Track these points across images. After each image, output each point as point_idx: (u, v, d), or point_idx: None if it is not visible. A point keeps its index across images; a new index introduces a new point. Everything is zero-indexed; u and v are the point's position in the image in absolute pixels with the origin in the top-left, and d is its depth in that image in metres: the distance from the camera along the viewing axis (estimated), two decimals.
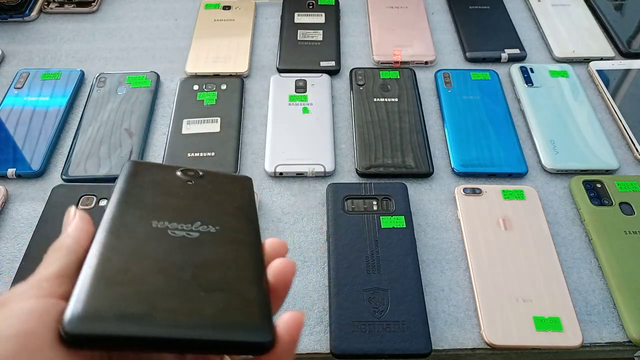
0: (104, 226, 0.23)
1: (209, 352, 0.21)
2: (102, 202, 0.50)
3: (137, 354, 0.21)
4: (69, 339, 0.18)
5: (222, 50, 0.66)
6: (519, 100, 0.61)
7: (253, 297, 0.22)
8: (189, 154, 0.55)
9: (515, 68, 0.64)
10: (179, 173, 0.27)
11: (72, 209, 0.24)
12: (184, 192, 0.26)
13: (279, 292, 0.23)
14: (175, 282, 0.21)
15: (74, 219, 0.23)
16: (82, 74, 0.64)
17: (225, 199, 0.27)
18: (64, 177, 0.53)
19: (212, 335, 0.20)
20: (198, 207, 0.26)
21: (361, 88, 0.61)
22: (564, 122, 0.58)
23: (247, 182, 0.29)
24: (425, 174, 0.54)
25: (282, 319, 0.21)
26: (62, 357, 0.18)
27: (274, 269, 0.23)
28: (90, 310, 0.19)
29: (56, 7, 0.73)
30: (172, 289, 0.21)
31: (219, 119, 0.58)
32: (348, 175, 0.55)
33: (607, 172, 0.54)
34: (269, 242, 0.25)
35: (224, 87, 0.62)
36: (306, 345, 0.43)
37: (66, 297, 0.20)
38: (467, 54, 0.66)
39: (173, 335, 0.19)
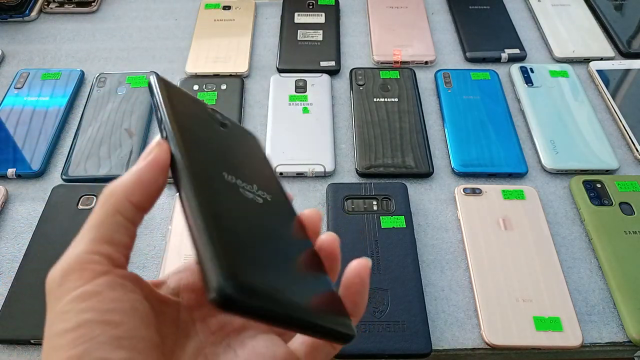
0: (185, 174, 0.21)
1: (306, 333, 0.21)
2: None
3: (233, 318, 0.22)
4: (226, 301, 0.17)
5: (222, 50, 0.66)
6: (519, 100, 0.61)
7: (330, 285, 0.22)
8: None
9: (515, 68, 0.64)
10: (209, 112, 0.26)
11: (157, 137, 0.22)
12: (228, 140, 0.25)
13: (333, 267, 0.23)
14: (281, 255, 0.22)
15: (146, 159, 0.21)
16: (82, 74, 0.64)
17: (255, 158, 0.27)
18: (64, 177, 0.53)
19: (321, 321, 0.20)
20: (247, 163, 0.25)
21: (361, 88, 0.61)
22: (564, 122, 0.58)
23: (257, 141, 0.29)
24: (425, 174, 0.54)
25: (351, 267, 0.22)
26: (135, 327, 0.19)
27: (323, 246, 0.23)
28: (251, 277, 0.18)
29: (56, 7, 0.73)
30: (283, 264, 0.21)
31: None
32: (348, 175, 0.55)
33: (607, 172, 0.54)
34: (306, 216, 0.25)
35: (224, 87, 0.62)
36: None
37: (119, 264, 0.20)
38: (467, 54, 0.66)
39: (295, 315, 0.19)
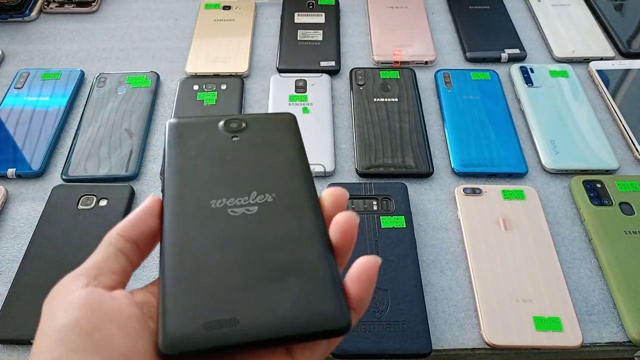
0: (167, 214, 0.24)
1: (290, 344, 0.21)
2: (102, 202, 0.50)
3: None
4: (168, 358, 0.20)
5: (222, 50, 0.66)
6: (519, 100, 0.61)
7: (324, 276, 0.22)
8: None
9: (515, 68, 0.64)
10: (221, 126, 0.27)
11: (151, 195, 0.25)
12: (233, 153, 0.26)
13: (344, 248, 0.23)
14: (248, 274, 0.22)
15: (140, 207, 0.24)
16: (82, 74, 0.64)
17: (274, 152, 0.26)
18: (64, 177, 0.53)
19: (294, 331, 0.20)
20: (250, 171, 0.25)
21: (361, 88, 0.61)
22: (564, 122, 0.58)
23: (290, 121, 0.28)
24: (425, 174, 0.54)
25: (360, 262, 0.22)
26: (110, 335, 0.20)
27: (337, 225, 0.23)
28: (181, 327, 0.20)
29: (56, 7, 0.73)
30: (247, 285, 0.21)
31: None
32: (348, 175, 0.55)
33: (607, 172, 0.54)
34: (328, 195, 0.25)
35: (224, 87, 0.62)
36: None
37: (104, 286, 0.22)
38: (467, 54, 0.66)
39: (259, 337, 0.20)
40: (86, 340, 0.19)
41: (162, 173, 0.26)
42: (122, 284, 0.23)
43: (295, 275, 0.22)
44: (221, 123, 0.27)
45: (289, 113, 0.29)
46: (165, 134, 0.27)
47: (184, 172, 0.25)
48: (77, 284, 0.21)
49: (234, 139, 0.27)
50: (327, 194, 0.25)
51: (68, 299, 0.21)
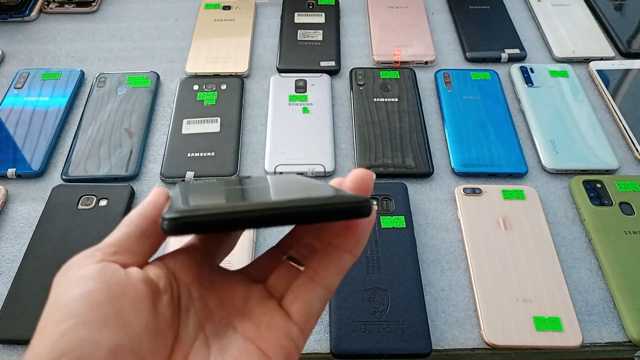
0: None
1: (309, 223, 0.21)
2: (102, 202, 0.50)
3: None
4: (170, 226, 0.18)
5: (222, 50, 0.66)
6: (519, 100, 0.61)
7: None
8: (189, 154, 0.55)
9: (515, 68, 0.64)
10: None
11: (155, 188, 0.25)
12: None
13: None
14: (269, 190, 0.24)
15: (152, 194, 0.24)
16: (82, 74, 0.64)
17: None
18: (64, 177, 0.53)
19: (311, 202, 0.19)
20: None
21: (361, 88, 0.61)
22: (564, 122, 0.58)
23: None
24: (425, 174, 0.54)
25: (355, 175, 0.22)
26: (123, 310, 0.19)
27: (354, 174, 0.23)
28: (191, 202, 0.20)
29: (56, 7, 0.73)
30: (267, 192, 0.23)
31: (219, 119, 0.58)
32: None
33: (607, 172, 0.54)
34: (354, 177, 0.23)
35: (224, 87, 0.62)
36: (306, 345, 0.43)
37: (119, 262, 0.21)
38: (467, 54, 0.66)
39: (270, 207, 0.19)
40: (97, 313, 0.18)
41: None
42: (138, 265, 0.22)
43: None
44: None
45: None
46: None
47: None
48: (91, 259, 0.21)
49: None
50: (353, 175, 0.23)
51: (80, 273, 0.20)
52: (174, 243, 0.47)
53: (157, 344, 0.20)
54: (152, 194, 0.24)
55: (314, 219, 0.19)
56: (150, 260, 0.23)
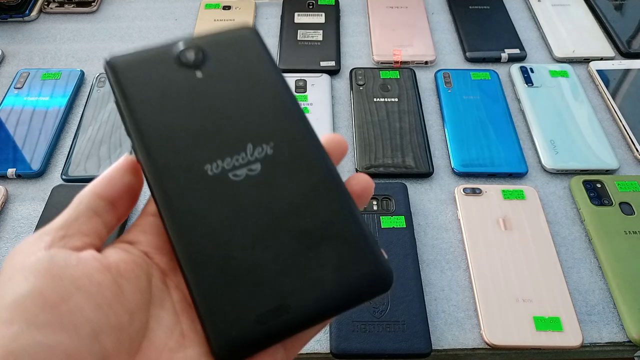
0: (159, 189, 0.20)
1: (341, 313, 0.20)
2: None
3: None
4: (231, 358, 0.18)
5: None
6: (519, 100, 0.61)
7: (358, 233, 0.20)
8: None
9: (515, 68, 0.64)
10: (177, 60, 0.22)
11: (125, 155, 0.22)
12: (204, 96, 0.22)
13: (359, 204, 0.22)
14: (280, 250, 0.20)
15: (112, 165, 0.21)
16: (82, 74, 0.64)
17: (250, 85, 0.23)
18: (64, 177, 0.53)
19: (346, 302, 0.19)
20: (233, 117, 0.22)
21: (361, 88, 0.61)
22: (564, 122, 0.58)
23: (251, 37, 0.24)
24: (425, 174, 0.54)
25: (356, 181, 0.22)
26: (79, 307, 0.17)
27: (356, 181, 0.22)
28: (234, 327, 0.18)
29: (56, 7, 0.73)
30: (283, 262, 0.19)
31: None
32: (348, 175, 0.54)
33: (607, 172, 0.54)
34: (328, 141, 0.23)
35: None
36: (306, 345, 0.43)
37: (69, 247, 0.19)
38: (467, 54, 0.66)
39: (314, 317, 0.19)
40: (50, 314, 0.16)
41: (128, 132, 0.21)
42: (93, 247, 0.19)
43: (329, 240, 0.20)
44: (175, 54, 0.22)
45: (247, 27, 0.24)
46: (109, 78, 0.22)
47: (157, 129, 0.21)
48: (39, 245, 0.18)
49: (198, 74, 0.22)
50: (326, 140, 0.23)
51: (28, 263, 0.17)
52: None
53: (121, 342, 0.17)
54: (109, 169, 0.21)
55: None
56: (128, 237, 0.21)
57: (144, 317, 0.19)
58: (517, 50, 0.66)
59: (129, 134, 0.21)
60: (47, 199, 0.51)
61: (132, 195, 0.21)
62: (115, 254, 0.19)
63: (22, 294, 0.16)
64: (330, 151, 0.22)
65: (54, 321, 0.16)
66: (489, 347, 0.42)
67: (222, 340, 0.18)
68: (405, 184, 0.52)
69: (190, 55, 0.22)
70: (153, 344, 0.18)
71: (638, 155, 0.56)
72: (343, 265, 0.20)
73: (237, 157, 0.21)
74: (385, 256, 0.20)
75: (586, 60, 0.66)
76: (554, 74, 0.63)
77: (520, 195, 0.51)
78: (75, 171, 0.53)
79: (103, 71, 0.63)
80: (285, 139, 0.22)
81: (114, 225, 0.21)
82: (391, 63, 0.65)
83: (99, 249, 0.20)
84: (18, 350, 0.15)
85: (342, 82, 0.64)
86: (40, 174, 0.54)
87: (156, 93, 0.22)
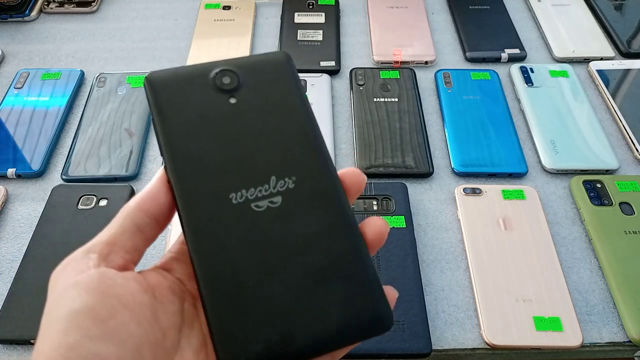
0: (186, 215, 0.21)
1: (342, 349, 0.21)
2: (102, 202, 0.50)
3: None
4: None
5: (222, 50, 0.66)
6: (519, 100, 0.61)
7: (366, 276, 0.21)
8: None
9: (515, 68, 0.64)
10: (213, 83, 0.23)
11: (161, 169, 0.23)
12: (236, 123, 0.23)
13: (372, 248, 0.23)
14: (289, 283, 0.21)
15: (154, 180, 0.23)
16: (82, 74, 0.64)
17: (280, 116, 0.24)
18: (64, 177, 0.53)
19: (348, 339, 0.21)
20: (262, 147, 0.23)
21: (361, 88, 0.61)
22: (564, 122, 0.58)
23: (286, 64, 0.25)
24: (425, 174, 0.54)
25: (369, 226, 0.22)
26: (124, 323, 0.19)
27: (371, 229, 0.23)
28: (241, 353, 0.20)
29: (56, 7, 0.73)
30: (292, 296, 0.21)
31: None
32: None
33: (607, 172, 0.54)
34: (347, 176, 0.23)
35: None
36: None
37: (115, 265, 0.20)
38: (467, 54, 0.66)
39: (317, 351, 0.20)
40: (101, 328, 0.18)
41: (161, 151, 0.22)
42: (133, 263, 0.21)
43: (337, 279, 0.21)
44: (212, 77, 0.23)
45: (283, 53, 0.25)
46: (147, 94, 0.23)
47: (189, 153, 0.22)
48: (87, 263, 0.20)
49: (232, 100, 0.23)
50: (347, 175, 0.23)
51: (79, 280, 0.19)
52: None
53: (158, 357, 0.20)
54: (153, 184, 0.22)
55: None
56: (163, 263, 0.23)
57: (176, 336, 0.21)
58: (517, 50, 0.66)
59: (161, 153, 0.22)
60: (47, 199, 0.51)
61: (173, 211, 0.23)
62: (154, 277, 0.21)
63: (76, 308, 0.18)
64: (349, 185, 0.23)
65: (103, 334, 0.18)
66: (489, 347, 0.42)
67: None
68: (405, 184, 0.52)
69: (226, 80, 0.24)
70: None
71: (638, 155, 0.56)
72: (348, 304, 0.21)
73: (260, 188, 0.22)
74: (389, 303, 0.21)
75: (586, 60, 0.66)
76: (554, 74, 0.63)
77: (520, 195, 0.51)
78: (75, 171, 0.53)
79: (103, 71, 0.64)
80: (307, 175, 0.23)
81: (153, 240, 0.22)
82: (391, 63, 0.65)
83: (136, 264, 0.22)
84: (74, 358, 0.17)
85: (342, 82, 0.64)
86: (40, 174, 0.54)
87: (190, 116, 0.23)
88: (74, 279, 0.19)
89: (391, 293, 0.22)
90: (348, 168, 0.24)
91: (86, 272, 0.20)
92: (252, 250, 0.21)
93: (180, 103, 0.23)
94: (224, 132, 0.23)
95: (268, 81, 0.24)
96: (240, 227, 0.21)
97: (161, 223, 0.22)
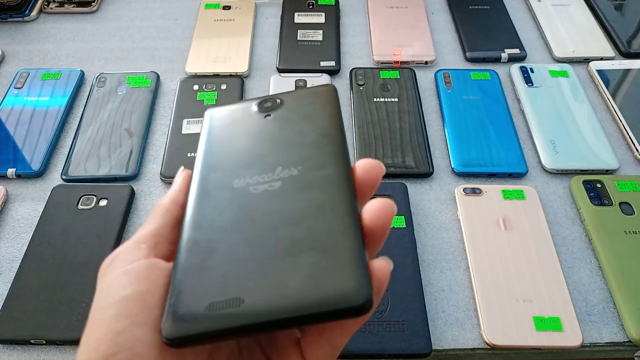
0: (191, 195, 0.23)
1: (304, 326, 0.20)
2: (102, 202, 0.50)
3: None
4: (169, 343, 0.19)
5: (222, 50, 0.66)
6: (519, 100, 0.61)
7: (344, 251, 0.19)
8: (189, 154, 0.55)
9: (515, 68, 0.64)
10: (254, 108, 0.26)
11: (181, 168, 0.25)
12: (263, 131, 0.25)
13: (376, 236, 0.21)
14: (260, 251, 0.20)
15: (178, 178, 0.25)
16: (82, 74, 0.64)
17: (308, 126, 0.25)
18: (64, 177, 0.53)
19: (304, 310, 0.18)
20: (278, 147, 0.24)
21: (361, 88, 0.61)
22: (564, 122, 0.58)
23: (330, 94, 0.26)
24: (425, 174, 0.54)
25: (371, 208, 0.21)
26: None
27: (370, 211, 0.21)
28: (183, 310, 0.19)
29: (56, 7, 0.73)
30: (258, 262, 0.20)
31: None
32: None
33: (607, 172, 0.54)
34: (361, 166, 0.22)
35: (224, 87, 0.62)
36: None
37: (162, 256, 0.22)
38: (467, 54, 0.66)
39: (264, 319, 0.18)
40: (148, 315, 0.19)
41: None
42: (172, 253, 0.22)
43: (313, 250, 0.20)
44: (256, 104, 0.27)
45: (330, 85, 0.27)
46: (202, 122, 0.27)
47: (213, 154, 0.25)
48: (138, 253, 0.21)
49: (267, 117, 0.26)
50: (362, 165, 0.22)
51: (130, 269, 0.20)
52: None
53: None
54: (179, 180, 0.24)
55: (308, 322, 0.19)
56: None
57: None
58: (517, 50, 0.66)
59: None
60: (47, 199, 0.51)
61: None
62: None
63: (126, 295, 0.19)
64: (361, 175, 0.22)
65: (150, 322, 0.19)
66: (489, 347, 0.42)
67: (169, 321, 0.19)
68: (405, 184, 0.52)
69: (267, 104, 0.26)
70: (219, 351, 0.22)
71: (638, 155, 0.56)
72: (316, 274, 0.19)
73: (264, 175, 0.23)
74: (369, 282, 0.19)
75: (586, 60, 0.66)
76: (554, 74, 0.63)
77: (520, 195, 0.51)
78: (75, 171, 0.53)
79: (103, 71, 0.64)
80: (313, 165, 0.23)
81: None
82: (391, 63, 0.65)
83: None
84: (121, 343, 0.18)
85: (342, 82, 0.64)
86: (40, 174, 0.54)
87: (227, 130, 0.26)
88: (124, 268, 0.20)
89: (384, 265, 0.20)
90: (363, 159, 0.23)
91: (136, 262, 0.21)
92: (235, 224, 0.22)
93: (222, 122, 0.27)
94: (249, 138, 0.25)
95: (308, 104, 0.26)
96: (231, 204, 0.22)
97: None
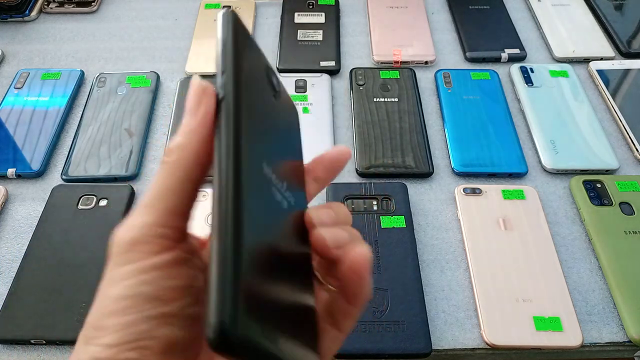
0: (220, 164, 0.18)
1: None
2: (102, 202, 0.50)
3: None
4: (226, 339, 0.15)
5: None
6: (519, 100, 0.61)
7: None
8: None
9: (515, 68, 0.64)
10: (267, 74, 0.24)
11: (195, 83, 0.21)
12: (274, 117, 0.23)
13: (358, 291, 0.21)
14: (287, 286, 0.20)
15: (189, 116, 0.20)
16: (82, 74, 0.64)
17: (291, 143, 0.25)
18: (64, 177, 0.53)
19: None
20: (282, 150, 0.23)
21: (361, 88, 0.61)
22: (564, 122, 0.58)
23: (296, 118, 0.26)
24: (425, 174, 0.54)
25: (349, 261, 0.21)
26: (183, 306, 0.19)
27: (351, 268, 0.21)
28: (241, 319, 0.16)
29: (56, 7, 0.73)
30: (286, 298, 0.19)
31: None
32: (348, 175, 0.55)
33: (607, 172, 0.54)
34: (330, 156, 0.25)
35: None
36: None
37: (180, 233, 0.20)
38: (467, 54, 0.66)
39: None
40: (160, 310, 0.19)
41: (221, 81, 0.20)
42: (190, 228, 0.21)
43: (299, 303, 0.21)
44: (266, 68, 0.24)
45: (295, 109, 0.27)
46: (221, 26, 0.22)
47: (246, 105, 0.20)
48: (161, 244, 0.19)
49: (274, 98, 0.23)
50: (330, 155, 0.25)
51: (152, 262, 0.19)
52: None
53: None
54: (202, 112, 0.20)
55: None
56: None
57: None
58: (517, 50, 0.66)
59: (228, 89, 0.21)
60: (47, 199, 0.51)
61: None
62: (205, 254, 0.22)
63: (141, 291, 0.19)
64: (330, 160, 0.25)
65: (160, 317, 0.19)
66: (489, 347, 0.42)
67: (225, 325, 0.15)
68: (405, 184, 0.52)
69: (275, 80, 0.25)
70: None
71: (638, 155, 0.56)
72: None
73: (279, 181, 0.21)
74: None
75: (586, 60, 0.66)
76: (554, 74, 0.63)
77: (520, 195, 0.51)
78: (75, 171, 0.53)
79: (103, 71, 0.64)
80: (296, 198, 0.22)
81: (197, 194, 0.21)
82: (391, 63, 0.65)
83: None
84: (128, 336, 0.18)
85: (342, 82, 0.64)
86: (40, 174, 0.54)
87: (252, 82, 0.22)
88: (145, 262, 0.19)
89: (359, 253, 0.21)
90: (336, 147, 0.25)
91: (159, 256, 0.19)
92: (272, 228, 0.20)
93: (250, 56, 0.23)
94: (269, 112, 0.22)
95: (288, 108, 0.25)
96: (265, 201, 0.20)
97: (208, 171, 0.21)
